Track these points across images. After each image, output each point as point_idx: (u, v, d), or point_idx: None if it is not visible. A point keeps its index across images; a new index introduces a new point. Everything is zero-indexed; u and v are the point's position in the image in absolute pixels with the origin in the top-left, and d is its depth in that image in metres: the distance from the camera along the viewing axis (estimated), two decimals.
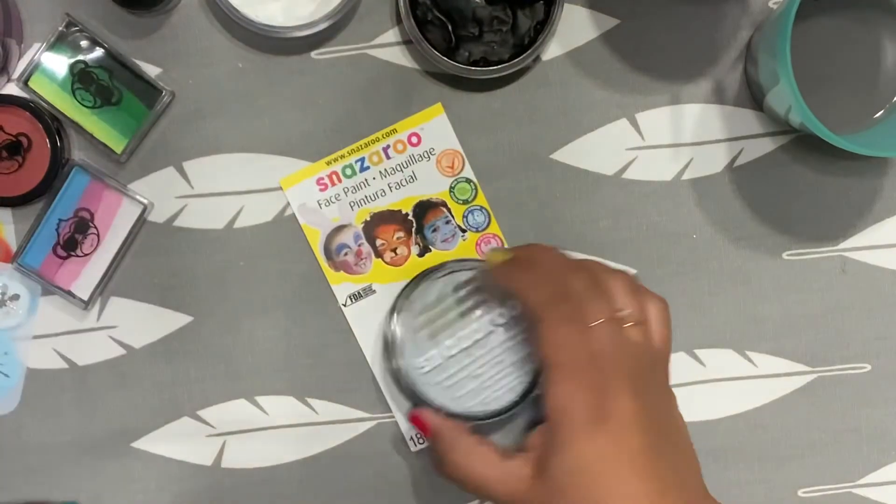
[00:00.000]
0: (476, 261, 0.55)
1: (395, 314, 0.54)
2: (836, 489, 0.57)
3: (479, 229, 0.56)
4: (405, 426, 0.57)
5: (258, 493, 0.57)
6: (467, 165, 0.56)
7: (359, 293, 0.56)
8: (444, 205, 0.56)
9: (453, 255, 0.56)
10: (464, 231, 0.56)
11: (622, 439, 0.46)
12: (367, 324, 0.56)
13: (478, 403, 0.53)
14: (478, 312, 0.53)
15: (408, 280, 0.55)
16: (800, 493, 0.57)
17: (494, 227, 0.56)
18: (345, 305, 0.56)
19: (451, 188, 0.56)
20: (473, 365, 0.53)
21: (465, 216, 0.56)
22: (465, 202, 0.56)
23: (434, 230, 0.56)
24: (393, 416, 0.57)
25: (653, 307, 0.50)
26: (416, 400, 0.54)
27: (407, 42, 0.56)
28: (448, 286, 0.54)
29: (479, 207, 0.56)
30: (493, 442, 0.50)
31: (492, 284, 0.53)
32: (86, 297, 0.56)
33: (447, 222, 0.56)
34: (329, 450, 0.57)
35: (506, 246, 0.56)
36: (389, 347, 0.54)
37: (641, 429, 0.46)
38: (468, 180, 0.56)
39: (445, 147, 0.56)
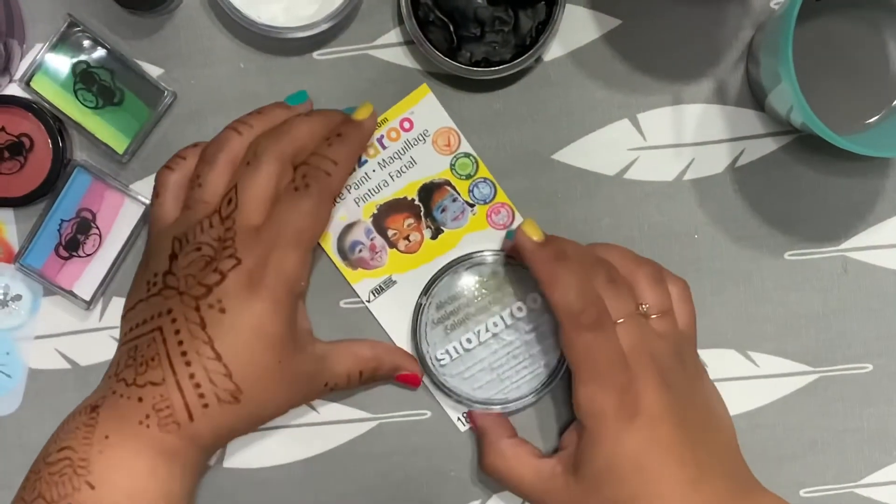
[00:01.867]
0: (497, 251, 0.55)
1: (418, 308, 0.55)
2: (838, 489, 0.57)
3: (487, 201, 0.56)
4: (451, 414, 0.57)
5: (260, 494, 0.57)
6: (464, 140, 0.56)
7: (380, 287, 0.56)
8: (448, 183, 0.56)
9: (466, 232, 0.56)
10: (472, 205, 0.56)
11: (653, 433, 0.47)
12: (393, 315, 0.56)
13: (497, 393, 0.55)
14: (496, 307, 0.55)
15: (432, 274, 0.56)
16: (802, 492, 0.57)
17: (502, 196, 0.56)
18: (368, 301, 0.56)
19: (452, 165, 0.56)
20: (492, 357, 0.55)
21: (470, 191, 0.56)
22: (468, 177, 0.56)
23: (443, 210, 0.56)
24: (395, 416, 0.57)
25: (674, 290, 0.52)
26: (437, 387, 0.56)
27: (408, 42, 0.56)
28: (468, 280, 0.55)
29: (483, 179, 0.56)
30: (531, 444, 0.54)
31: (519, 276, 0.55)
32: (88, 298, 0.56)
33: (454, 200, 0.56)
34: (331, 450, 0.57)
35: (517, 215, 0.56)
36: (415, 338, 0.55)
37: (673, 421, 0.48)
38: (467, 154, 0.56)
39: (439, 126, 0.56)
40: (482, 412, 0.55)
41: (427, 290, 0.55)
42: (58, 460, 0.46)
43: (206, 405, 0.47)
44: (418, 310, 0.55)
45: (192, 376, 0.46)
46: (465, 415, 0.57)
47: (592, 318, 0.48)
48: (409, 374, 0.55)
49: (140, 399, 0.47)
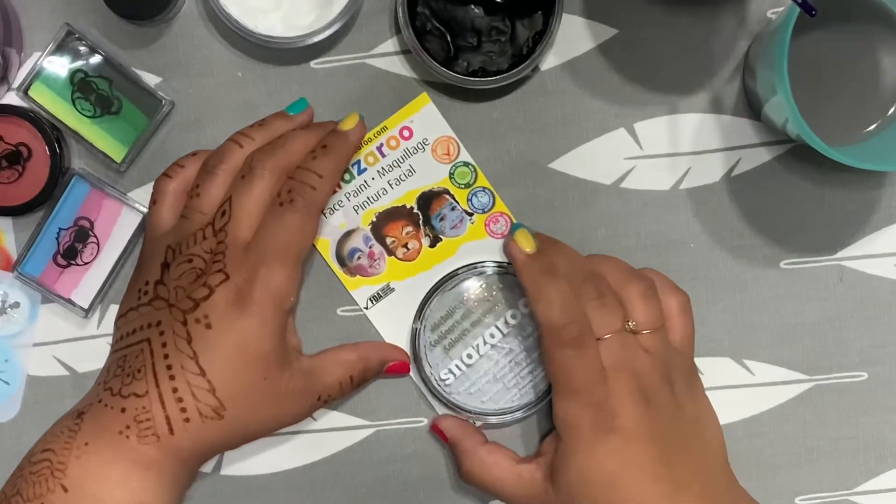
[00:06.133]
0: (485, 261, 0.56)
1: (414, 333, 0.55)
2: (833, 497, 0.58)
3: (485, 210, 0.56)
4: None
5: (257, 501, 0.57)
6: (463, 150, 0.56)
7: (378, 294, 0.57)
8: (447, 192, 0.56)
9: (464, 241, 0.56)
10: (470, 214, 0.56)
11: (629, 449, 0.48)
12: (391, 323, 0.57)
13: (506, 402, 0.55)
14: (490, 318, 0.55)
15: (424, 295, 0.56)
16: (797, 500, 0.58)
17: (500, 206, 0.56)
18: (366, 308, 0.57)
19: (451, 174, 0.56)
20: (495, 368, 0.55)
21: (469, 199, 0.56)
22: (467, 186, 0.56)
23: (441, 219, 0.57)
24: (392, 424, 0.57)
25: (673, 304, 0.52)
26: (447, 406, 0.56)
27: (405, 52, 0.56)
28: (457, 297, 0.55)
29: (481, 188, 0.56)
30: (507, 448, 0.54)
31: (507, 284, 0.55)
32: (86, 305, 0.56)
33: (453, 209, 0.56)
34: (328, 457, 0.57)
35: (514, 222, 0.56)
36: (416, 363, 0.56)
37: (650, 437, 0.48)
38: (466, 164, 0.56)
39: (438, 135, 0.56)
40: (451, 422, 0.55)
41: (419, 315, 0.55)
42: (39, 461, 0.47)
43: (187, 419, 0.47)
44: (415, 335, 0.55)
45: (175, 390, 0.47)
46: (431, 428, 0.57)
47: (573, 335, 0.48)
48: (397, 363, 0.56)
49: (123, 409, 0.47)
